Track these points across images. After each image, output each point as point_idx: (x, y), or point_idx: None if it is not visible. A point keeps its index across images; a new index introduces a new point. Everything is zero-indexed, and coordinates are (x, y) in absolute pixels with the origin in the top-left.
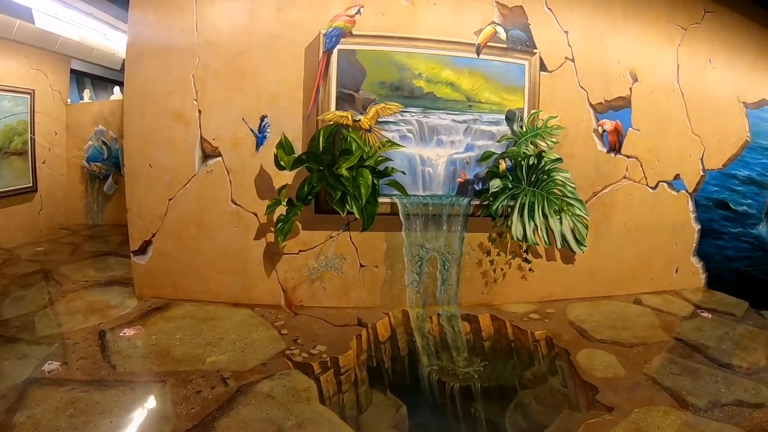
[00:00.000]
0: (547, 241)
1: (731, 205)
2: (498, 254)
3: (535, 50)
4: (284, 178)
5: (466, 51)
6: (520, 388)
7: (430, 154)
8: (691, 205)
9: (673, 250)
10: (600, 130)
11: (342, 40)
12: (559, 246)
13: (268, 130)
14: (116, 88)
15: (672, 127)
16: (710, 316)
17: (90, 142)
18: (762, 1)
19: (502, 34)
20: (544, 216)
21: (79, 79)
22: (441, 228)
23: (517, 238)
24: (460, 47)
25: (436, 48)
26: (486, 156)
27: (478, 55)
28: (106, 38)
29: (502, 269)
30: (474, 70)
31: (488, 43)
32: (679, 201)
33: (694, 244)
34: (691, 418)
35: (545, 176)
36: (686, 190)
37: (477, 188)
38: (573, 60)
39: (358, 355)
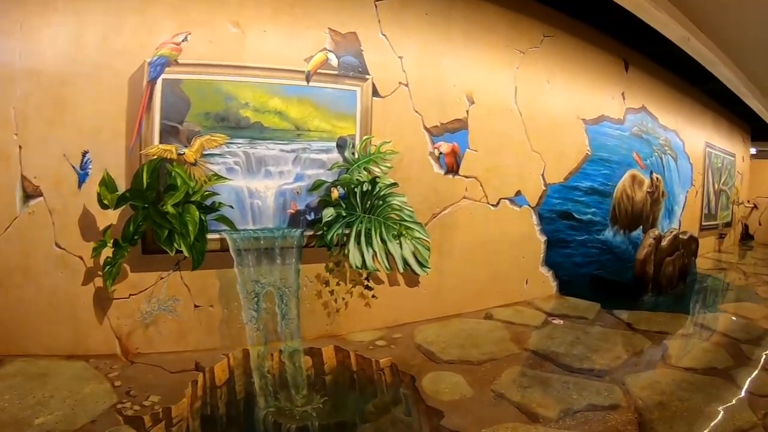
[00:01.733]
0: (388, 266)
1: (575, 214)
2: (338, 284)
3: (367, 76)
4: (109, 217)
5: (296, 78)
6: (361, 422)
7: (259, 186)
8: (535, 219)
9: (521, 263)
10: (436, 152)
11: (167, 69)
12: (401, 270)
13: (90, 166)
14: None
15: (511, 146)
16: (562, 322)
17: None
18: (599, 24)
19: (334, 61)
20: (383, 241)
21: None
22: (275, 261)
23: (356, 266)
24: (289, 75)
25: (264, 76)
26: (317, 185)
27: (308, 83)
28: None
29: (343, 298)
30: (303, 97)
31: (319, 70)
32: (522, 216)
33: (542, 255)
34: (541, 431)
35: (381, 202)
36: (529, 205)
37: (309, 218)
38: (407, 85)
39: (192, 403)
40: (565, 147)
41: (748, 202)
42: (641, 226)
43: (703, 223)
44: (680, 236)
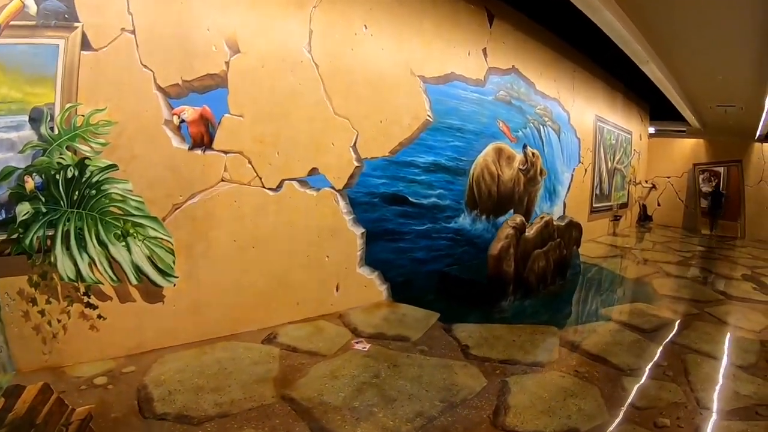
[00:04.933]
0: (113, 276)
1: (411, 198)
2: (48, 301)
3: (76, 23)
4: None
5: None
6: None
7: None
8: (343, 205)
9: (324, 264)
10: (176, 120)
11: None
12: (134, 281)
13: None
14: None
15: (300, 110)
16: (367, 347)
17: None
18: None
19: (32, 8)
20: (102, 244)
21: None
22: None
23: (69, 278)
24: None
25: None
26: (4, 174)
27: None
28: None
29: (59, 320)
30: None
31: (12, 22)
32: (321, 201)
33: (359, 252)
34: None
35: (94, 191)
36: (332, 187)
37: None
38: (134, 31)
39: None
40: (393, 111)
41: (647, 182)
42: (512, 210)
43: (595, 205)
44: (555, 222)
